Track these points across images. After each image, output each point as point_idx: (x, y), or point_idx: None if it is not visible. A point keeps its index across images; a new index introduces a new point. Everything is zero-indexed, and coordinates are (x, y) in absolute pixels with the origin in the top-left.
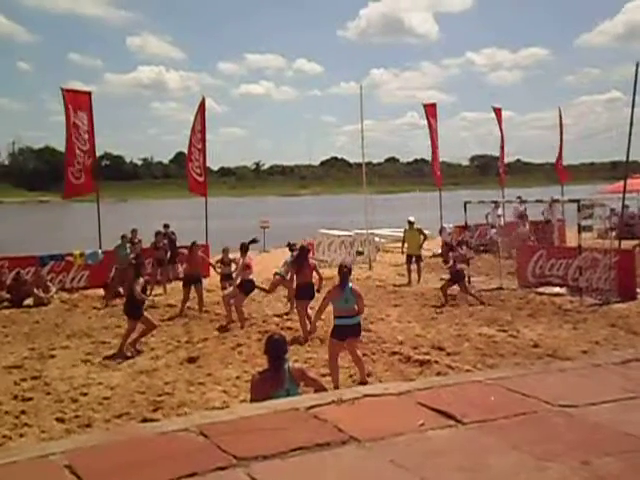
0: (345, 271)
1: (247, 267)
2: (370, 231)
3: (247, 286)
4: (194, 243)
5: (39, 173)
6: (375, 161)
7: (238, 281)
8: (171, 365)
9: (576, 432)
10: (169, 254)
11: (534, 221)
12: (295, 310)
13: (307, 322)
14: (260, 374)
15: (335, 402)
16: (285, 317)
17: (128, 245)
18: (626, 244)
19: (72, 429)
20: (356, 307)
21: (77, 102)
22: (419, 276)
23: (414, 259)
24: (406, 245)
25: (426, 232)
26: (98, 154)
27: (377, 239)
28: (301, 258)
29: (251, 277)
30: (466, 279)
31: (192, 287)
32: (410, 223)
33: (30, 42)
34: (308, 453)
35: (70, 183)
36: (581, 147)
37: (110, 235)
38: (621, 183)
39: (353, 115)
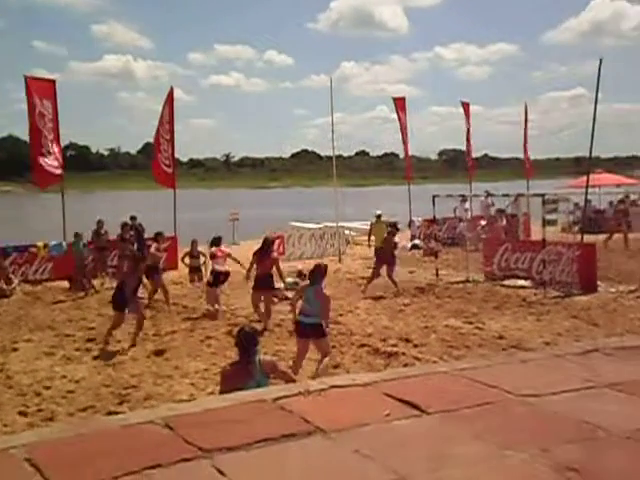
0: (316, 272)
1: (212, 257)
2: (340, 224)
3: (215, 277)
4: (158, 234)
5: (2, 163)
6: (346, 154)
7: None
8: (138, 358)
9: (537, 421)
10: (136, 246)
11: (493, 215)
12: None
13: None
14: (231, 366)
15: (302, 393)
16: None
17: (82, 242)
18: (589, 238)
19: (35, 423)
20: (314, 309)
21: (41, 90)
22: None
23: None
24: (373, 238)
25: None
26: (63, 144)
27: (347, 232)
28: (264, 249)
29: (219, 268)
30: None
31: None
32: (377, 217)
33: None
34: (274, 444)
35: (41, 171)
36: (546, 142)
37: (75, 227)
38: (584, 178)
39: (324, 108)
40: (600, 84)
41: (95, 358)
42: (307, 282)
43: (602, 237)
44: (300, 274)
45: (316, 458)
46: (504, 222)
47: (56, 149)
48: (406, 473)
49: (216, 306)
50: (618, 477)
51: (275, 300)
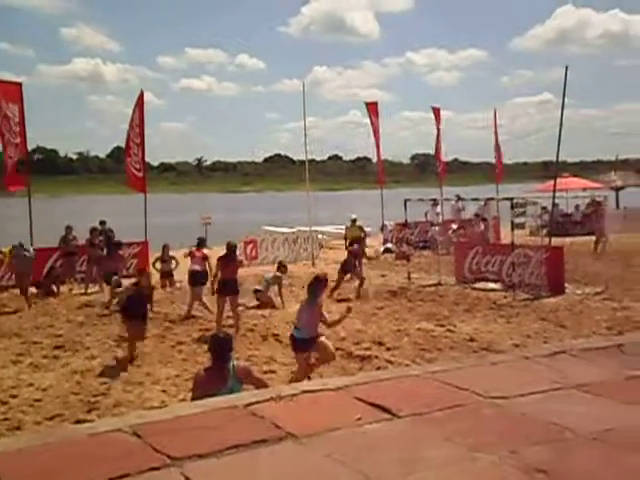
0: (315, 284)
1: (190, 255)
2: (313, 228)
3: (193, 277)
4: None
5: None
6: (318, 158)
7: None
8: (107, 365)
9: (505, 423)
10: (105, 251)
11: (469, 219)
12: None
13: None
14: (205, 371)
15: (273, 399)
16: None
17: (26, 251)
18: (556, 241)
19: (0, 432)
20: (310, 324)
21: (7, 93)
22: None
23: None
24: (348, 242)
25: (368, 229)
26: (30, 147)
27: (320, 236)
28: (228, 254)
29: (194, 267)
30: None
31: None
32: (352, 221)
33: None
34: (244, 451)
35: (10, 176)
36: (515, 147)
37: (42, 232)
38: (552, 182)
39: (296, 112)
40: (566, 90)
41: (63, 366)
42: (280, 275)
43: (569, 240)
44: (280, 267)
45: (287, 464)
46: (482, 227)
47: (20, 153)
48: (377, 477)
49: (196, 304)
50: (586, 478)
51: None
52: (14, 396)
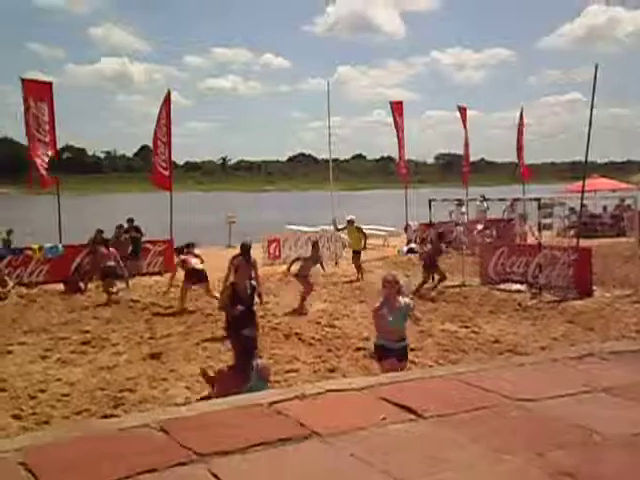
0: (386, 287)
1: (183, 262)
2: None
3: (189, 275)
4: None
5: None
6: (342, 158)
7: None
8: (133, 361)
9: (532, 425)
10: (131, 248)
11: (495, 219)
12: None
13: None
14: (228, 369)
15: (298, 397)
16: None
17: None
18: (584, 242)
19: (29, 426)
20: (403, 327)
21: (37, 93)
22: (358, 271)
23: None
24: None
25: (391, 229)
26: (59, 146)
27: (343, 236)
28: (243, 255)
29: (192, 266)
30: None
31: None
32: (349, 221)
33: None
34: (269, 448)
35: (38, 175)
36: (542, 147)
37: (71, 229)
38: (580, 183)
39: (321, 111)
40: (596, 89)
41: (90, 361)
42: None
43: (597, 242)
44: (315, 244)
45: (312, 462)
46: (525, 226)
47: (50, 152)
48: (403, 477)
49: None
50: None
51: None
52: (43, 391)
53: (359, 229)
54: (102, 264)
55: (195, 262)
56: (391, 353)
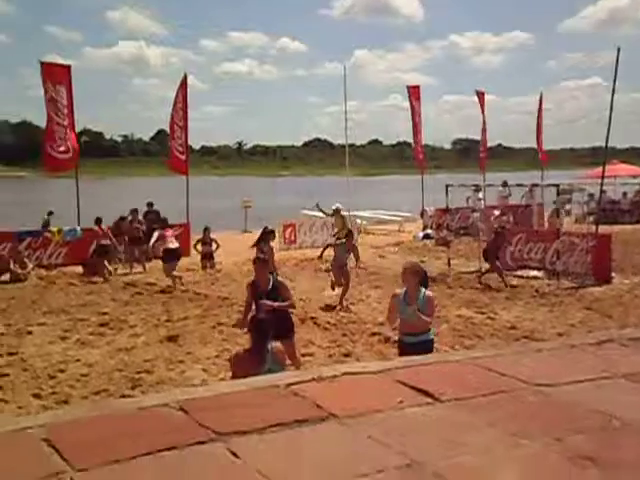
0: (407, 276)
1: (161, 237)
2: (352, 213)
3: (166, 253)
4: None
5: (16, 148)
6: (358, 143)
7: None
8: (150, 343)
9: (551, 410)
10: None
11: (514, 205)
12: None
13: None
14: (244, 352)
15: (315, 379)
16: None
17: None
18: (603, 229)
19: (49, 405)
20: (427, 320)
21: (56, 76)
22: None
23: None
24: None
25: (408, 214)
26: (77, 130)
27: (358, 221)
28: (263, 240)
29: (169, 246)
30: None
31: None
32: (335, 210)
33: (7, 12)
34: (287, 429)
35: (50, 157)
36: (561, 132)
37: (89, 212)
38: (600, 169)
39: (337, 95)
40: (617, 73)
41: (109, 343)
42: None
43: (617, 228)
44: (349, 233)
45: (330, 443)
46: (560, 217)
47: (71, 135)
48: (421, 459)
49: (174, 273)
50: (634, 466)
51: None
52: (62, 371)
53: (343, 218)
54: (97, 243)
55: (170, 240)
56: (411, 349)
